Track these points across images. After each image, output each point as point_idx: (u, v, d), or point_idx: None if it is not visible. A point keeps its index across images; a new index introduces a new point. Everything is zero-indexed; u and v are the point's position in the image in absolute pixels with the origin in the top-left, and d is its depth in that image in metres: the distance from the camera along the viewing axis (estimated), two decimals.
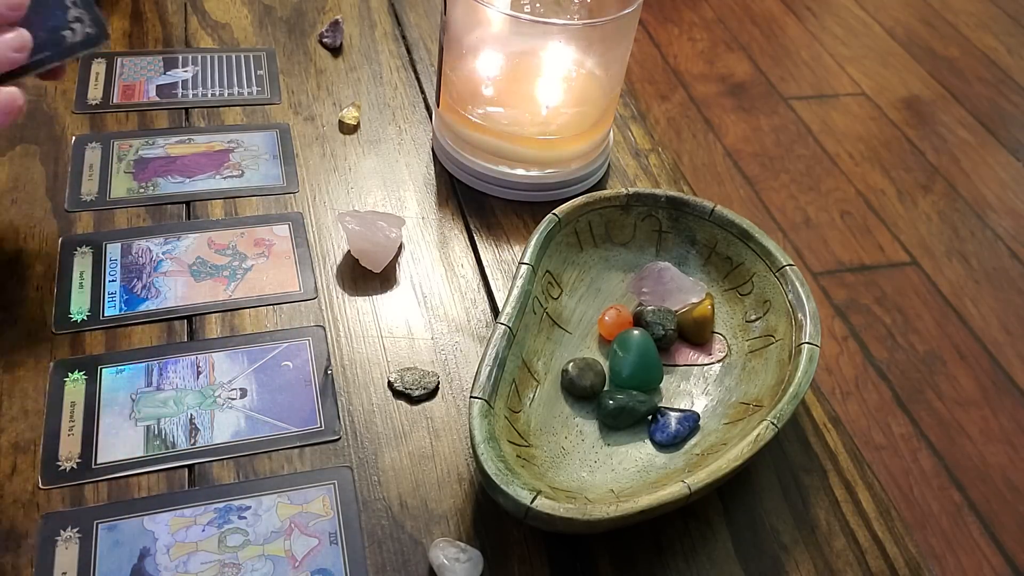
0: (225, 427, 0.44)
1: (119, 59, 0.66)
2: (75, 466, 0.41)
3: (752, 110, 1.95)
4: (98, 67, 0.65)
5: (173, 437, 0.43)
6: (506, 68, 0.60)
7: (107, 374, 0.45)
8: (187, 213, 0.55)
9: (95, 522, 0.39)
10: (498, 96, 0.60)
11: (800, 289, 0.48)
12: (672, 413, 0.45)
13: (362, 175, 0.59)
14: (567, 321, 0.50)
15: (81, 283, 0.50)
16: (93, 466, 0.42)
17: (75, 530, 0.39)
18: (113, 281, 0.50)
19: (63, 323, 0.48)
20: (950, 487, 1.28)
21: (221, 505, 0.40)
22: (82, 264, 0.51)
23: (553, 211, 0.51)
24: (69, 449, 0.42)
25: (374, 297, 0.52)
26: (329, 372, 0.46)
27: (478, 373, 0.43)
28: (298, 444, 0.44)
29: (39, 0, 0.46)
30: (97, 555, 0.38)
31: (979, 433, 1.35)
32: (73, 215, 0.54)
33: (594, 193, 0.53)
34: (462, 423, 0.46)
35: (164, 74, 0.65)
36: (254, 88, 0.65)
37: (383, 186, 0.59)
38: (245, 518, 0.40)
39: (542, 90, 0.60)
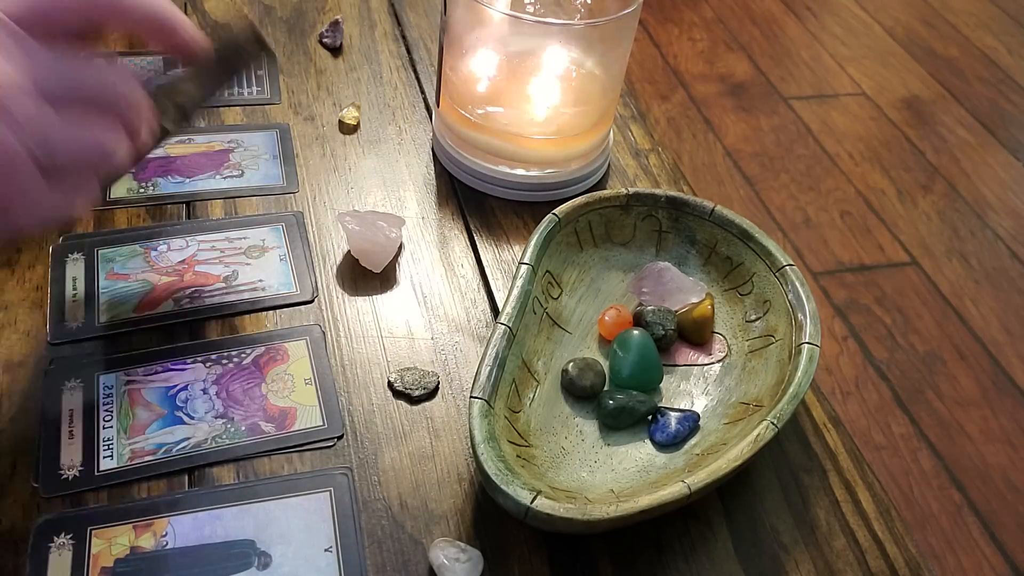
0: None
1: (119, 59, 0.66)
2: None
3: (752, 110, 1.95)
4: None
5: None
6: (506, 68, 0.60)
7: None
8: (187, 213, 0.55)
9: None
10: (498, 96, 0.60)
11: (800, 289, 0.48)
12: (672, 413, 0.45)
13: (362, 175, 0.59)
14: (567, 321, 0.50)
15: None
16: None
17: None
18: None
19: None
20: (950, 487, 1.28)
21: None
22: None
23: (553, 211, 0.51)
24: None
25: (374, 297, 0.52)
26: None
27: (478, 373, 0.43)
28: (298, 445, 0.44)
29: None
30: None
31: (979, 433, 1.35)
32: None
33: (594, 193, 0.53)
34: (462, 423, 0.46)
35: (164, 74, 0.65)
36: (254, 88, 0.65)
37: (383, 186, 0.59)
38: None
39: (542, 90, 0.60)
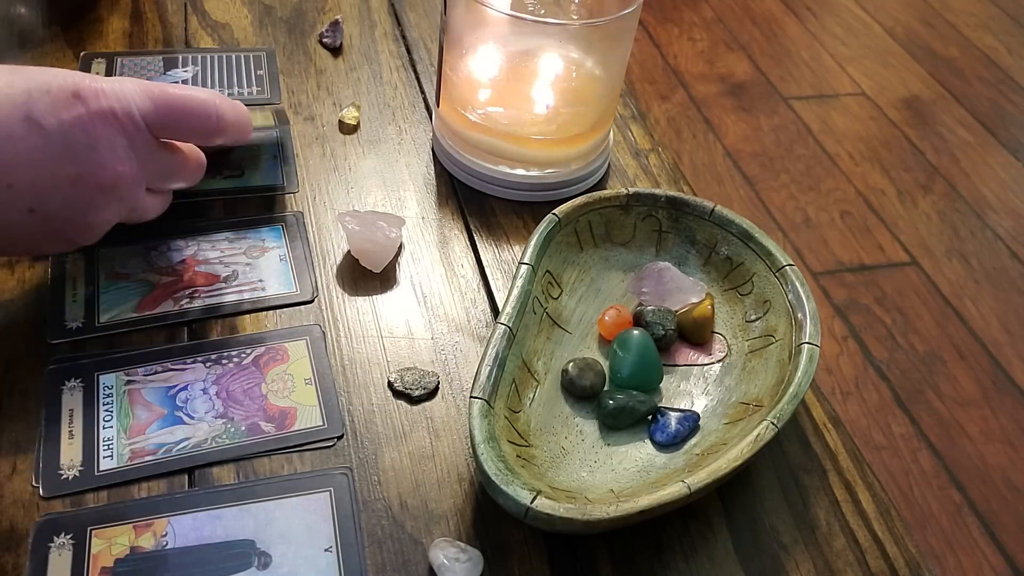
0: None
1: (119, 59, 0.66)
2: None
3: (752, 110, 1.95)
4: (98, 67, 0.65)
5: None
6: (506, 68, 0.60)
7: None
8: (187, 213, 0.55)
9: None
10: (498, 96, 0.60)
11: (800, 289, 0.48)
12: (672, 413, 0.45)
13: (362, 175, 0.59)
14: (567, 321, 0.50)
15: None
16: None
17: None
18: None
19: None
20: (950, 487, 1.28)
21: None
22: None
23: (553, 211, 0.51)
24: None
25: (374, 297, 0.52)
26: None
27: (478, 373, 0.43)
28: (298, 445, 0.44)
29: None
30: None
31: (979, 433, 1.35)
32: None
33: (594, 193, 0.53)
34: (462, 423, 0.46)
35: (164, 74, 0.65)
36: (254, 88, 0.65)
37: (383, 186, 0.59)
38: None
39: (542, 90, 0.60)
